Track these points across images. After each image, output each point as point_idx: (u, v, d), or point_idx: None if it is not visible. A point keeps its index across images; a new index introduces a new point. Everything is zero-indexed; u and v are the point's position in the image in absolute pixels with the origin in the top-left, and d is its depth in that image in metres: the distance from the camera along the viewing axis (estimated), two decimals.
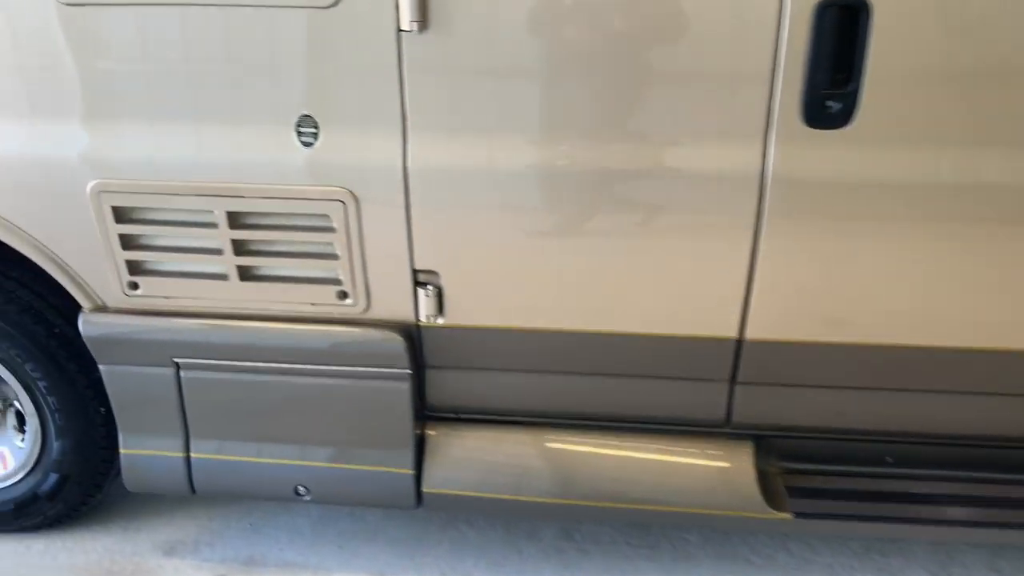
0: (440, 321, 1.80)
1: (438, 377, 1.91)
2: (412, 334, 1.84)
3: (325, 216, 1.73)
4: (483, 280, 1.76)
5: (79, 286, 1.86)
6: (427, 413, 1.95)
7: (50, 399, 2.01)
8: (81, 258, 1.83)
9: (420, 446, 1.93)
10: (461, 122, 1.61)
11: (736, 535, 2.22)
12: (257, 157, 1.67)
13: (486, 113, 1.60)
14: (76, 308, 1.91)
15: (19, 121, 1.70)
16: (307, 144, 1.66)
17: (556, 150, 1.61)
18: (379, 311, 1.82)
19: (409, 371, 1.84)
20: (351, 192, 1.68)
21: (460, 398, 1.95)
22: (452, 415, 1.98)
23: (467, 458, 1.93)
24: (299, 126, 1.64)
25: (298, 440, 1.94)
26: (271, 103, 1.63)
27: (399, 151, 1.63)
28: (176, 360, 1.89)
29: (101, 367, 1.93)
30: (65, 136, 1.69)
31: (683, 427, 1.89)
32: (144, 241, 1.80)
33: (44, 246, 1.82)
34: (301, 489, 1.97)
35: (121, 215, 1.76)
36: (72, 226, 1.78)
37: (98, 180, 1.71)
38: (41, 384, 1.99)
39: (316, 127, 1.64)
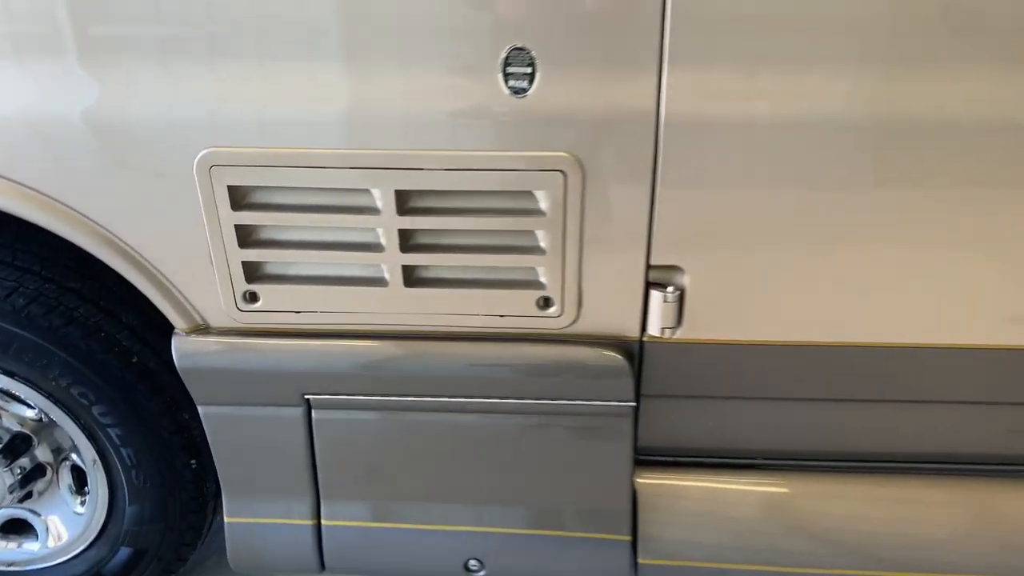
0: (676, 335, 1.32)
1: (655, 409, 1.43)
2: (633, 354, 1.36)
3: (529, 195, 1.24)
4: (744, 280, 1.28)
5: (172, 300, 1.35)
6: (637, 457, 1.47)
7: (124, 451, 1.50)
8: (176, 261, 1.32)
9: (634, 502, 1.45)
10: (749, 49, 1.13)
11: None
12: (442, 111, 1.18)
13: (785, 35, 1.12)
14: (163, 331, 1.40)
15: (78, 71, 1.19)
16: (518, 91, 1.17)
17: (900, 89, 1.14)
18: (591, 323, 1.33)
19: (632, 403, 1.36)
20: (575, 158, 1.19)
21: (682, 436, 1.47)
22: (668, 458, 1.50)
23: (697, 515, 1.46)
24: (507, 65, 1.15)
25: (472, 499, 1.45)
26: (465, 32, 1.14)
27: (651, 95, 1.15)
28: (307, 397, 1.39)
29: (201, 408, 1.42)
30: (163, 86, 1.19)
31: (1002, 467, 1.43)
32: (270, 235, 1.30)
33: (122, 243, 1.31)
34: (474, 564, 1.48)
35: (239, 198, 1.26)
36: (165, 215, 1.28)
37: (211, 148, 1.21)
38: (113, 432, 1.48)
39: (532, 65, 1.15)
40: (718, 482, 1.46)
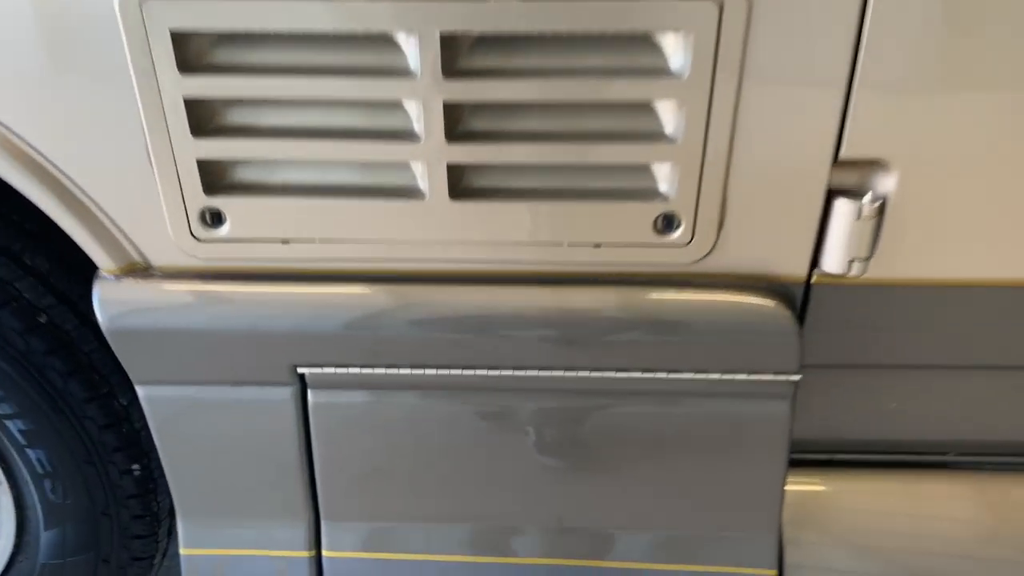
0: (867, 273, 0.86)
1: (813, 386, 0.97)
2: (794, 302, 0.90)
3: (651, 45, 0.78)
4: (979, 187, 0.83)
5: (90, 225, 0.88)
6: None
7: (32, 454, 1.03)
8: (92, 162, 0.85)
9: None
10: None
11: None
12: None
13: None
14: (88, 276, 0.93)
15: None
16: None
17: None
18: (732, 256, 0.87)
19: (796, 376, 0.90)
20: None
21: (847, 424, 1.02)
22: (824, 456, 1.05)
23: (867, 539, 1.00)
24: None
25: (541, 520, 0.99)
26: None
27: None
28: (301, 371, 0.92)
29: (140, 390, 0.96)
30: None
31: None
32: (240, 117, 0.83)
33: (8, 135, 0.84)
34: None
35: (190, 53, 0.79)
36: (69, 88, 0.81)
37: None
38: (13, 426, 1.01)
39: None
40: (900, 489, 1.01)
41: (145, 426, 1.04)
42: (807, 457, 1.03)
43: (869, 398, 0.99)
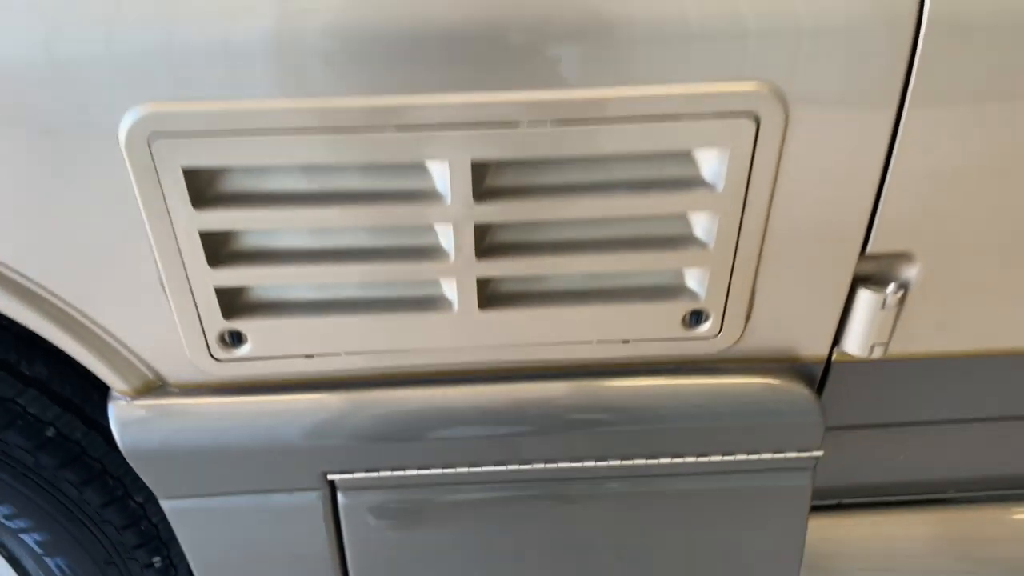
0: (885, 351, 0.89)
1: (831, 443, 1.00)
2: (814, 381, 0.92)
3: (687, 159, 0.76)
4: (989, 273, 0.85)
5: (104, 353, 0.84)
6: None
7: (50, 562, 1.01)
8: (104, 294, 0.81)
9: None
10: None
11: None
12: (552, 30, 0.68)
13: None
14: (89, 380, 0.90)
15: None
16: None
17: None
18: (758, 343, 0.88)
19: (816, 453, 0.93)
20: (776, 93, 0.71)
21: (860, 473, 1.06)
22: (832, 503, 1.09)
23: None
24: None
25: None
26: None
27: None
28: (331, 477, 0.91)
29: (166, 504, 0.94)
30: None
31: None
32: (258, 242, 0.79)
33: (13, 274, 0.79)
34: None
35: (203, 186, 0.74)
36: (77, 218, 0.76)
37: (147, 106, 0.69)
38: (29, 539, 0.98)
39: None
40: (911, 528, 1.06)
41: (162, 520, 1.02)
42: (819, 503, 1.08)
43: (880, 451, 1.03)
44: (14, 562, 1.02)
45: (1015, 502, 1.09)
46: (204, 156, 0.71)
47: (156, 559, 1.06)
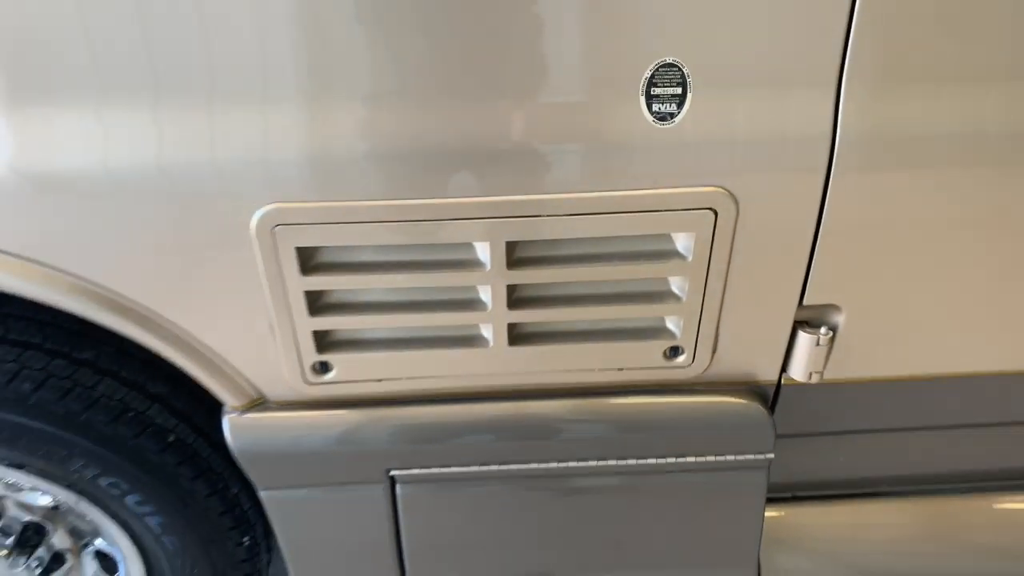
0: (821, 377, 1.15)
1: (781, 449, 1.27)
2: (767, 399, 1.19)
3: (666, 238, 1.03)
4: (902, 315, 1.11)
5: (219, 376, 1.11)
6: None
7: (166, 540, 1.27)
8: (224, 333, 1.07)
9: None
10: (939, 67, 0.93)
11: None
12: (565, 149, 0.95)
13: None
14: (196, 397, 1.17)
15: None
16: (663, 117, 0.94)
17: None
18: (722, 370, 1.15)
19: (769, 455, 1.20)
20: (729, 194, 0.98)
21: (809, 472, 1.33)
22: (787, 495, 1.36)
23: (824, 553, 1.32)
24: (651, 86, 0.92)
25: (569, 567, 1.28)
26: (593, 48, 0.90)
27: (828, 114, 0.94)
28: (392, 473, 1.18)
29: (264, 493, 1.20)
30: (207, 134, 0.92)
31: None
32: (346, 298, 1.06)
33: (156, 316, 1.05)
34: None
35: (309, 259, 1.01)
36: (210, 282, 1.02)
37: (273, 205, 0.95)
38: (152, 521, 1.25)
39: (682, 86, 0.92)
40: (850, 515, 1.33)
41: (252, 507, 1.29)
42: (775, 495, 1.34)
43: (822, 454, 1.30)
44: (135, 539, 1.29)
45: (939, 495, 1.35)
46: (312, 239, 0.98)
47: (246, 539, 1.32)
